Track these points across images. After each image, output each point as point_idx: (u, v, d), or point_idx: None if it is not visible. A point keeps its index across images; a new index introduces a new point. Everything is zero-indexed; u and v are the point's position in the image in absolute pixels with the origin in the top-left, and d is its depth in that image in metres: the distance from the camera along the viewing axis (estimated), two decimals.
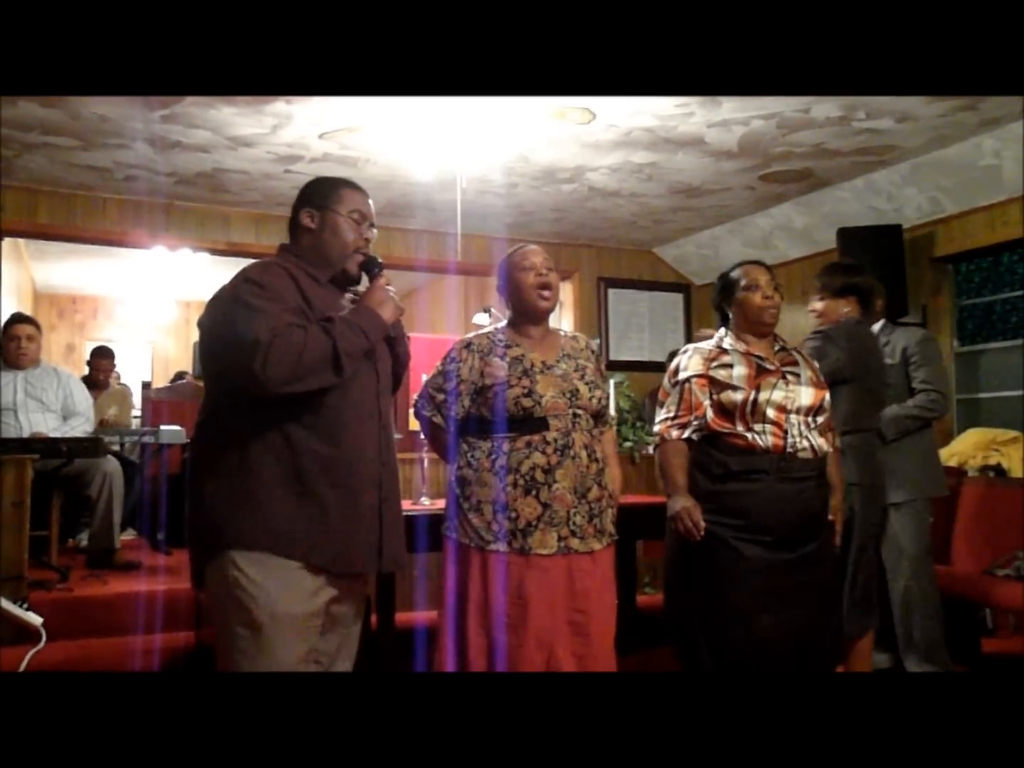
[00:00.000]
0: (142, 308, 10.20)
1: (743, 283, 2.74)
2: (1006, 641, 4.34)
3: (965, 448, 4.75)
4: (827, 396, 2.71)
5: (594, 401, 2.52)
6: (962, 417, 5.30)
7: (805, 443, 2.61)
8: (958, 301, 5.42)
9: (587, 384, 2.51)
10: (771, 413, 2.59)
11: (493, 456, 2.43)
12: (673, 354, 2.96)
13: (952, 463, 4.69)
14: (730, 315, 2.79)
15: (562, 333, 2.68)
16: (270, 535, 1.87)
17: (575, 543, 2.41)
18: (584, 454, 2.45)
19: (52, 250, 7.83)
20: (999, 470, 4.56)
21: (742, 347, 2.71)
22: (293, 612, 1.88)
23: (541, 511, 2.39)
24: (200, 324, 1.99)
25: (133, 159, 4.90)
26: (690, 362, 2.72)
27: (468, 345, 2.55)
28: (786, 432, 2.59)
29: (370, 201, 2.14)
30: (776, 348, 2.74)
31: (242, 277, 1.95)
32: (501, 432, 2.43)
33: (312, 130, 4.44)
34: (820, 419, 2.67)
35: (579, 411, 2.47)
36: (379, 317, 1.99)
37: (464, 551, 2.44)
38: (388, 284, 2.06)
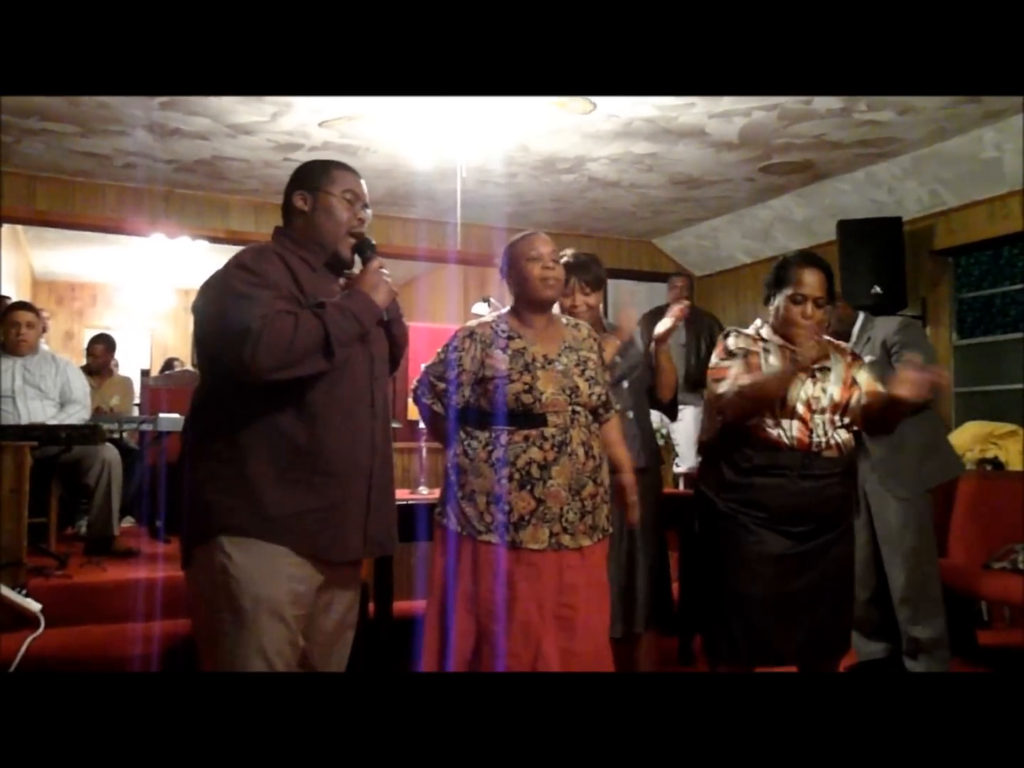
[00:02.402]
0: (141, 296, 10.18)
1: (790, 291, 2.64)
2: (1002, 634, 4.35)
3: (963, 441, 4.76)
4: (856, 394, 2.67)
5: (593, 398, 2.51)
6: (960, 410, 5.30)
7: (831, 441, 2.62)
8: (958, 294, 5.42)
9: (587, 380, 2.50)
10: (799, 409, 2.60)
11: (490, 448, 2.42)
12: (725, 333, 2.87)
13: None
14: (771, 312, 2.74)
15: (564, 322, 2.65)
16: (259, 521, 1.86)
17: (566, 539, 2.41)
18: (581, 451, 2.45)
19: (51, 237, 7.81)
20: (996, 463, 4.57)
21: (778, 340, 2.69)
22: (276, 597, 1.86)
23: (535, 506, 2.38)
24: (193, 309, 1.98)
25: (132, 146, 4.89)
26: (738, 341, 2.72)
27: (471, 334, 2.53)
28: (812, 430, 2.60)
29: (363, 182, 2.11)
30: (810, 344, 2.68)
31: (234, 263, 1.93)
32: (499, 425, 2.43)
33: (312, 118, 4.43)
34: (847, 418, 2.66)
35: (578, 408, 2.47)
36: (372, 301, 1.97)
37: (456, 539, 2.44)
38: (381, 267, 2.03)
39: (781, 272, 2.70)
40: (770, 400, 2.59)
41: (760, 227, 6.20)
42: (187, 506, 1.95)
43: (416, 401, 2.62)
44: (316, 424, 1.91)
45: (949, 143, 4.69)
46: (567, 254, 3.06)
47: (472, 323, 2.59)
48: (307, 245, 2.03)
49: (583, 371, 2.52)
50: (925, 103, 4.14)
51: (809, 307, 2.63)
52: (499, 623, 2.36)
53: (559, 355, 2.51)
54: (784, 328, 2.68)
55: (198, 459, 1.94)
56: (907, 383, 2.50)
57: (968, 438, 4.77)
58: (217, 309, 1.88)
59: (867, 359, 3.57)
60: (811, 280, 2.63)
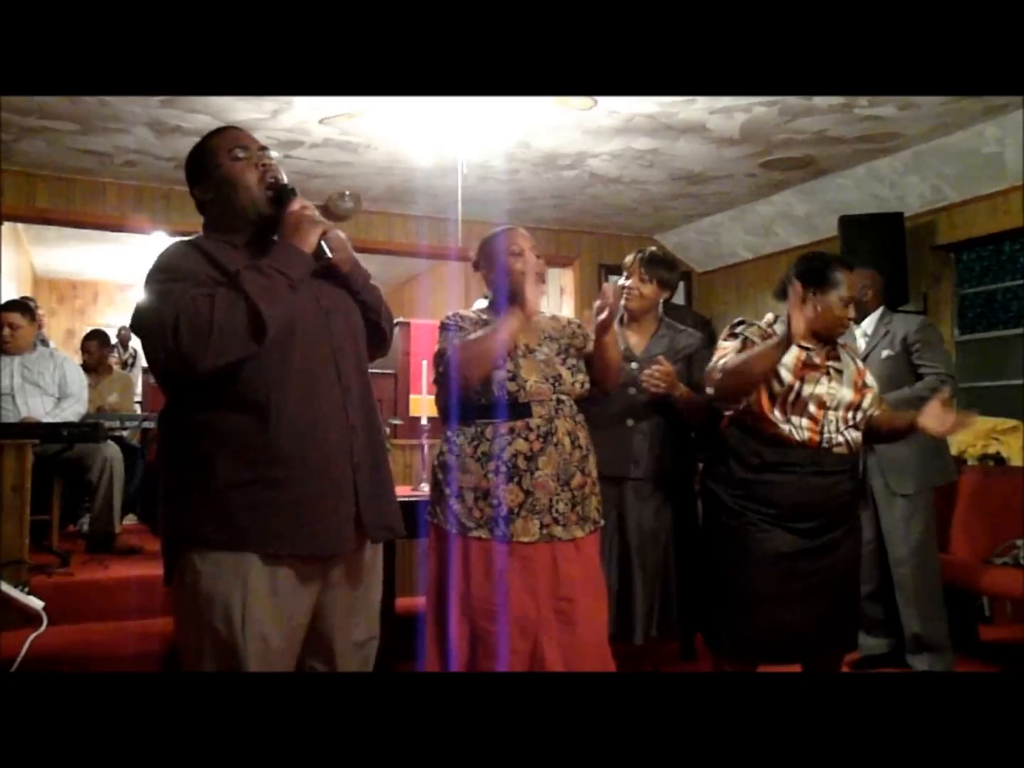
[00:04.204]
0: (142, 294, 10.17)
1: (840, 293, 2.61)
2: (1004, 629, 4.35)
3: (965, 437, 4.75)
4: (868, 396, 2.68)
5: (577, 386, 2.50)
6: (962, 405, 5.28)
7: (840, 438, 2.63)
8: (959, 289, 5.41)
9: (569, 369, 2.50)
10: (811, 407, 2.60)
11: (475, 442, 2.41)
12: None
13: (951, 451, 4.69)
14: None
15: (541, 315, 2.63)
16: (224, 531, 1.73)
17: (558, 531, 2.40)
18: (567, 441, 2.44)
19: (51, 235, 7.82)
20: (998, 459, 4.57)
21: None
22: (252, 614, 1.73)
23: (523, 498, 2.37)
24: (131, 326, 1.91)
25: (133, 144, 4.89)
26: (748, 330, 2.72)
27: (455, 315, 2.58)
28: (822, 427, 2.60)
29: (244, 131, 1.96)
30: (823, 344, 2.71)
31: (150, 267, 1.86)
32: (484, 418, 2.42)
33: (312, 115, 4.43)
34: (858, 416, 2.67)
35: (563, 397, 2.46)
36: (293, 248, 1.79)
37: (446, 537, 2.42)
38: (303, 208, 1.83)
39: (825, 272, 2.63)
40: (756, 378, 2.57)
41: (761, 223, 6.19)
42: (161, 522, 1.87)
43: (440, 381, 2.51)
44: (270, 414, 1.76)
45: (950, 138, 4.68)
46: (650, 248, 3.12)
47: (451, 312, 2.59)
48: (228, 226, 1.89)
49: (564, 359, 2.51)
50: (926, 98, 4.13)
51: (851, 309, 2.66)
52: (494, 621, 2.34)
53: (539, 345, 2.51)
54: (830, 327, 2.63)
55: (164, 473, 1.84)
56: (937, 419, 2.52)
57: (970, 434, 4.76)
58: (139, 316, 1.81)
59: (884, 353, 3.59)
60: (853, 283, 2.67)
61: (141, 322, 1.81)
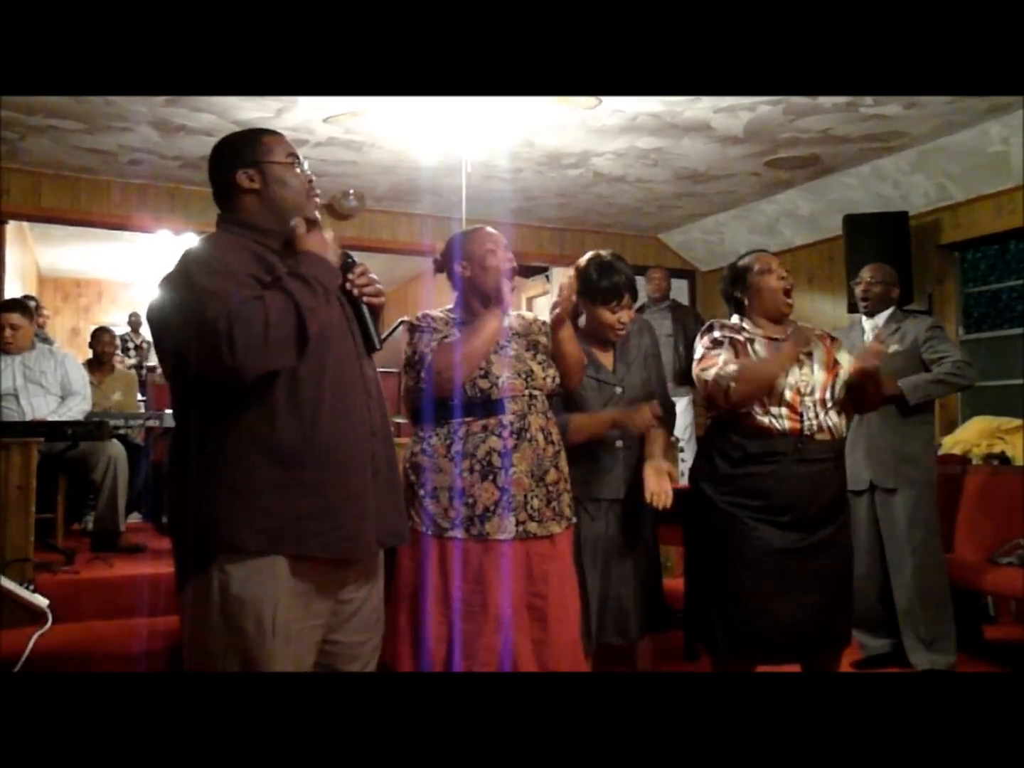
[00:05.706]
0: (147, 292, 10.19)
1: (756, 267, 2.75)
2: (1008, 629, 4.35)
3: (969, 436, 4.74)
4: (840, 373, 2.71)
5: (548, 381, 2.49)
6: (967, 405, 5.29)
7: (823, 424, 2.64)
8: (964, 288, 5.41)
9: (540, 364, 2.50)
10: (788, 395, 2.62)
11: (449, 442, 2.40)
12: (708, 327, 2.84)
13: (956, 451, 4.68)
14: (745, 302, 2.77)
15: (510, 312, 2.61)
16: (256, 534, 1.72)
17: (533, 527, 2.39)
18: (540, 437, 2.43)
19: (56, 233, 7.83)
20: (1003, 458, 4.56)
21: (760, 332, 2.73)
22: (290, 625, 1.74)
23: (499, 496, 2.36)
24: (150, 316, 1.80)
25: (138, 143, 4.90)
26: (723, 331, 2.74)
27: (415, 326, 2.50)
28: (802, 415, 2.62)
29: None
30: (790, 331, 2.76)
31: (189, 257, 1.79)
32: (457, 417, 2.40)
33: (316, 114, 4.43)
34: (835, 395, 2.69)
35: (535, 392, 2.46)
36: (326, 262, 1.80)
37: (420, 539, 2.39)
38: (331, 239, 1.86)
39: (736, 269, 2.81)
40: (770, 382, 2.60)
41: (766, 222, 6.18)
42: (180, 525, 1.82)
43: (418, 386, 2.47)
44: (308, 417, 1.76)
45: (955, 137, 4.67)
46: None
47: (413, 317, 2.53)
48: (260, 226, 1.89)
49: (535, 355, 2.51)
50: (931, 97, 4.13)
51: (781, 270, 2.75)
52: (473, 621, 2.33)
53: (508, 341, 2.49)
54: (767, 304, 2.74)
55: (186, 474, 1.79)
56: (862, 355, 2.74)
57: (975, 433, 4.76)
58: (180, 312, 1.72)
59: (892, 348, 3.59)
60: (767, 256, 2.83)
61: (184, 318, 1.71)
